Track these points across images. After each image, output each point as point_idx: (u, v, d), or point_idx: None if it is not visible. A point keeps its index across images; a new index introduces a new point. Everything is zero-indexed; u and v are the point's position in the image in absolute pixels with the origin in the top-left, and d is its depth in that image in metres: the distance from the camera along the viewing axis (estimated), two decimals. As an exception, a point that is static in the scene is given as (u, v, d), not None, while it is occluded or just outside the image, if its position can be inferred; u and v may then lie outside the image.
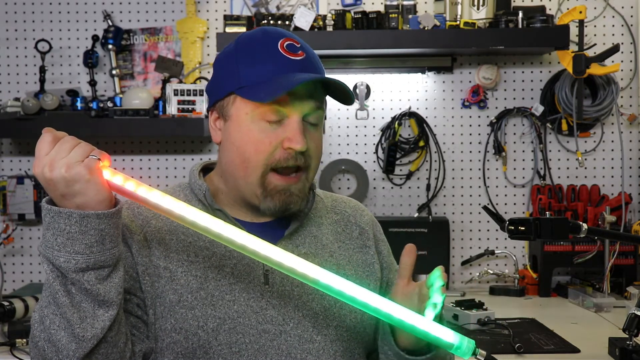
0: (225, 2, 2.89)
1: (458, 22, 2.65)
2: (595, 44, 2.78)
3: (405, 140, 2.88)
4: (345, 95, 1.24)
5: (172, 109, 2.67)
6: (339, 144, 2.91)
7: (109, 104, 2.75)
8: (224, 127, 1.25)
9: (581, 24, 2.63)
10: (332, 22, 2.64)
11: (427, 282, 1.13)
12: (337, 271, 1.25)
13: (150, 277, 1.20)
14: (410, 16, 2.67)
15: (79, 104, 2.76)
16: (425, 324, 1.06)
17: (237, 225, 1.17)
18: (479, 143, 2.90)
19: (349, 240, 1.35)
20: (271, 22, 2.62)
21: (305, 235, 1.30)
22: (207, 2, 2.90)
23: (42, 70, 2.78)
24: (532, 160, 2.89)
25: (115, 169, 1.06)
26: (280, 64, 1.19)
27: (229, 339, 1.18)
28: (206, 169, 1.34)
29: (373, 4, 2.87)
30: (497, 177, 2.90)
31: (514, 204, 2.90)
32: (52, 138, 1.02)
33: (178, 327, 1.18)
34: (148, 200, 1.06)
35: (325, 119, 1.37)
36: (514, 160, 2.90)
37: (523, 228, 1.58)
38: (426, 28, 2.62)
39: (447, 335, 1.05)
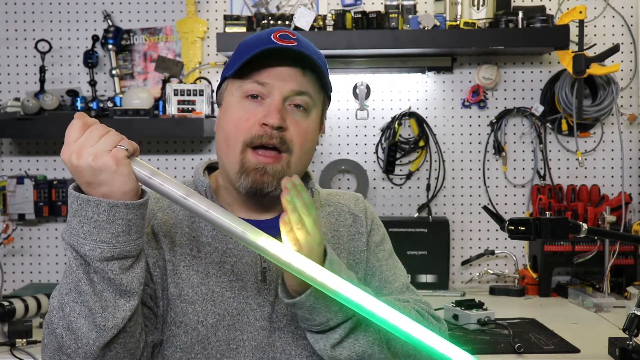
0: (225, 2, 2.89)
1: (458, 22, 2.65)
2: (595, 44, 2.78)
3: (405, 140, 2.88)
4: (325, 80, 1.25)
5: (172, 109, 2.67)
6: (339, 144, 2.91)
7: (109, 104, 2.75)
8: (219, 114, 1.29)
9: (581, 24, 2.63)
10: (332, 22, 2.64)
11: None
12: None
13: (160, 270, 1.21)
14: (410, 16, 2.67)
15: (79, 104, 2.76)
16: (445, 346, 1.03)
17: None
18: (479, 143, 2.90)
19: (343, 227, 1.35)
20: (271, 22, 2.62)
21: None
22: (207, 2, 2.90)
23: (42, 70, 2.78)
24: (532, 160, 2.89)
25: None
26: (267, 45, 1.20)
27: (228, 335, 1.19)
28: (213, 168, 1.35)
29: (373, 4, 2.87)
30: (497, 177, 2.90)
31: (514, 204, 2.90)
32: (82, 124, 1.01)
33: (178, 321, 1.19)
34: (174, 195, 1.04)
35: (325, 116, 1.36)
36: (514, 160, 2.90)
37: (523, 228, 1.59)
38: (426, 28, 2.62)
39: (462, 357, 1.03)
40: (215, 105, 2.81)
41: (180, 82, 2.76)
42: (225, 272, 1.22)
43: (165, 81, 2.74)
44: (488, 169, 2.90)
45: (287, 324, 1.22)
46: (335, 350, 1.12)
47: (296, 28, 2.59)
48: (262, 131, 1.19)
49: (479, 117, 2.89)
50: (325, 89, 1.28)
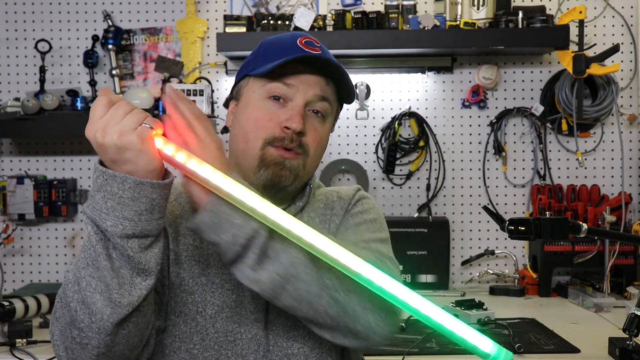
0: (225, 2, 2.89)
1: (458, 22, 2.65)
2: (595, 44, 2.78)
3: (405, 140, 2.88)
4: (347, 90, 1.29)
5: (172, 109, 2.67)
6: (339, 144, 2.91)
7: (109, 104, 2.75)
8: (236, 109, 1.31)
9: (581, 24, 2.63)
10: (332, 22, 2.64)
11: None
12: None
13: (166, 258, 1.22)
14: (410, 16, 2.67)
15: (79, 104, 2.76)
16: (464, 330, 1.03)
17: None
18: (479, 143, 2.90)
19: (328, 210, 1.35)
20: (271, 22, 2.62)
21: None
22: (207, 2, 2.90)
23: (42, 70, 2.78)
24: (532, 160, 2.89)
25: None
26: (295, 51, 1.24)
27: (226, 327, 1.20)
28: None
29: (373, 4, 2.87)
30: (497, 177, 2.90)
31: (514, 204, 2.90)
32: (107, 101, 1.01)
33: (178, 310, 1.20)
34: (197, 174, 1.03)
35: (336, 119, 1.39)
36: (514, 160, 2.90)
37: (523, 228, 1.59)
38: (426, 28, 2.62)
39: (484, 344, 1.02)
40: (216, 105, 2.81)
41: (180, 82, 2.76)
42: (225, 264, 1.23)
43: (165, 81, 2.74)
44: (488, 169, 2.90)
45: (277, 316, 1.22)
46: (256, 272, 1.05)
47: (296, 28, 2.59)
48: (283, 134, 1.22)
49: (479, 117, 2.89)
50: (339, 99, 1.32)
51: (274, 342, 1.22)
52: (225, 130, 2.59)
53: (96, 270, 1.01)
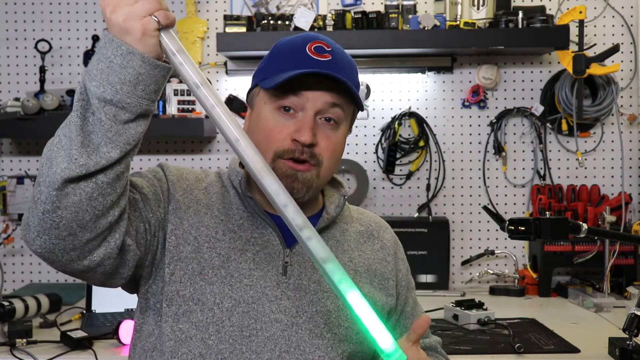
0: (225, 2, 2.89)
1: (458, 22, 2.65)
2: (595, 44, 2.78)
3: (405, 140, 2.88)
4: (355, 98, 1.27)
5: (172, 109, 2.67)
6: (339, 144, 2.91)
7: (109, 104, 2.75)
8: (249, 117, 1.32)
9: (581, 24, 2.63)
10: (332, 22, 2.64)
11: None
12: (353, 277, 1.28)
13: (176, 238, 1.23)
14: (410, 16, 2.67)
15: (79, 104, 2.76)
16: (374, 321, 1.05)
17: (266, 217, 1.27)
18: (479, 143, 2.90)
19: (370, 251, 1.37)
20: (271, 22, 2.62)
21: (329, 238, 1.32)
22: (207, 2, 2.90)
23: (42, 70, 2.78)
24: (532, 160, 2.89)
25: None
26: (303, 62, 1.23)
27: (242, 322, 1.21)
28: None
29: (373, 4, 2.87)
30: (497, 177, 2.90)
31: (514, 204, 2.90)
32: None
33: (196, 298, 1.21)
34: (188, 79, 1.05)
35: (353, 121, 1.38)
36: (514, 160, 2.90)
37: (523, 228, 1.59)
38: (426, 28, 2.62)
39: (385, 340, 1.04)
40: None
41: (180, 82, 2.76)
42: (245, 260, 1.24)
43: (165, 81, 2.73)
44: (488, 169, 2.90)
45: (306, 320, 1.23)
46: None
47: (296, 28, 2.59)
48: (294, 146, 1.22)
49: (479, 117, 2.89)
50: (355, 102, 1.30)
51: (296, 345, 1.22)
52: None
53: (69, 130, 1.03)
